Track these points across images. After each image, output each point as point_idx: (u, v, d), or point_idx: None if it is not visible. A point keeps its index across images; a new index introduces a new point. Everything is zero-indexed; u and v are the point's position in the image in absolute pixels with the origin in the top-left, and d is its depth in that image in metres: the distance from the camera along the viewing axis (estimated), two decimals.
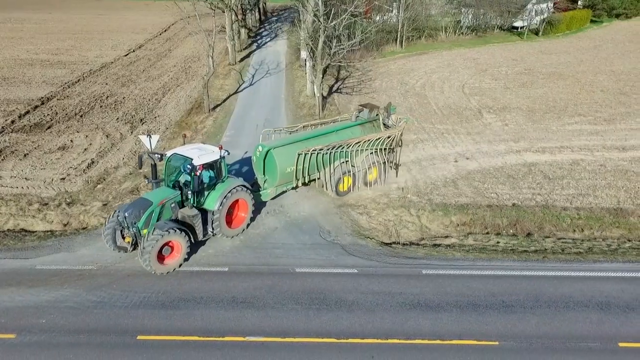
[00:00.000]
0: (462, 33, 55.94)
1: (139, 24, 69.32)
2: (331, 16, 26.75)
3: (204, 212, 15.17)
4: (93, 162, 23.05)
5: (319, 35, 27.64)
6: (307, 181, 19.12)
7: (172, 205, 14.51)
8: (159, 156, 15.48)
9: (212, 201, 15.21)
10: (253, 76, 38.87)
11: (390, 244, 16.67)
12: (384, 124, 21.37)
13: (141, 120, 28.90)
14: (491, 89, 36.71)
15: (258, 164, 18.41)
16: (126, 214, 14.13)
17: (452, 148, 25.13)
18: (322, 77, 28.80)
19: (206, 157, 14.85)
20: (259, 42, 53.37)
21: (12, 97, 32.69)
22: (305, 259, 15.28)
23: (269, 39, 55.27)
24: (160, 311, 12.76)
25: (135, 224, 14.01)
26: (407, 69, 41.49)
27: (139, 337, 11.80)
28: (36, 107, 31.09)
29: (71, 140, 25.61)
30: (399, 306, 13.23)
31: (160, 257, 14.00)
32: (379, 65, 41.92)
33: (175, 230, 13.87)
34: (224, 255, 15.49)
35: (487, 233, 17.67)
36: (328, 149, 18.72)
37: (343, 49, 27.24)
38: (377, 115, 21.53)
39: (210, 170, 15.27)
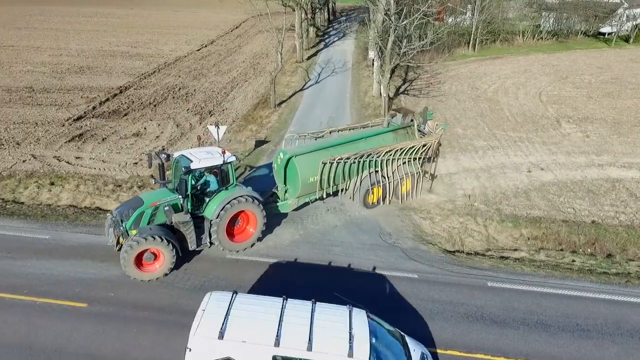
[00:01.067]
0: (542, 38, 52.99)
1: (212, 20, 71.88)
2: (402, 15, 26.11)
3: (202, 220, 14.30)
4: (163, 149, 23.95)
5: (389, 35, 27.10)
6: (332, 192, 17.73)
7: (166, 208, 13.65)
8: (166, 156, 14.67)
9: (212, 209, 14.14)
10: (319, 74, 38.98)
11: (454, 252, 15.90)
12: (420, 131, 19.73)
13: (209, 112, 29.75)
14: (572, 97, 34.38)
15: (279, 172, 16.93)
16: (116, 212, 13.85)
17: (526, 157, 23.70)
18: (390, 78, 28.21)
19: (207, 162, 13.88)
20: (326, 41, 53.58)
21: (95, 85, 34.82)
22: (363, 259, 14.91)
23: (336, 38, 55.36)
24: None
25: (123, 223, 13.54)
26: (479, 73, 39.86)
27: None
28: (115, 95, 32.89)
29: (144, 128, 26.82)
30: (460, 317, 12.55)
31: (141, 263, 13.29)
32: (449, 68, 40.63)
33: (155, 238, 12.87)
34: (283, 248, 15.46)
35: (562, 250, 16.39)
36: (355, 158, 17.22)
37: (413, 49, 26.52)
38: (411, 121, 19.83)
39: (214, 176, 14.35)
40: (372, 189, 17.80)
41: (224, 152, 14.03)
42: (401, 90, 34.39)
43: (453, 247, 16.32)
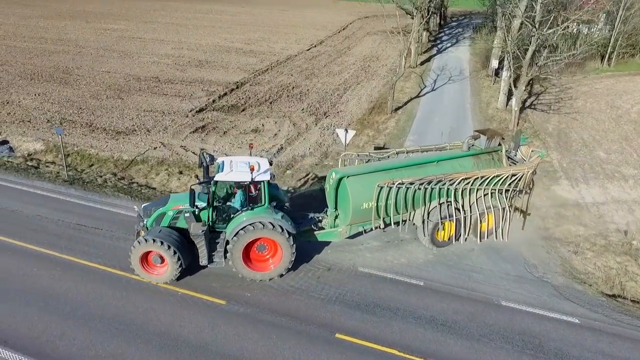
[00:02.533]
0: None
1: (319, 20, 72.61)
2: (548, 23, 23.81)
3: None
4: (282, 148, 23.93)
5: (529, 43, 24.92)
6: (393, 222, 14.89)
7: (187, 215, 12.76)
8: (210, 158, 13.80)
9: (230, 228, 12.90)
10: (435, 81, 37.33)
11: (615, 296, 13.81)
12: (509, 158, 16.56)
13: (324, 113, 29.44)
14: None
15: (330, 194, 14.60)
16: (142, 207, 13.53)
17: None
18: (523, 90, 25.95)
19: (234, 175, 12.64)
20: (439, 46, 51.59)
21: (213, 79, 36.13)
22: (510, 291, 13.37)
23: (449, 44, 53.14)
24: (357, 312, 12.15)
25: (144, 219, 13.22)
26: (618, 90, 35.83)
27: (337, 335, 11.30)
28: (232, 90, 33.81)
29: (262, 125, 27.08)
30: None
31: (148, 264, 12.85)
32: (580, 83, 37.00)
33: (155, 242, 12.22)
34: (417, 267, 14.37)
35: None
36: (422, 184, 14.41)
37: (560, 60, 24.08)
38: (499, 145, 16.61)
39: (243, 192, 13.06)
40: (442, 223, 15.03)
41: (252, 170, 12.44)
42: (527, 104, 31.75)
43: (611, 290, 14.20)
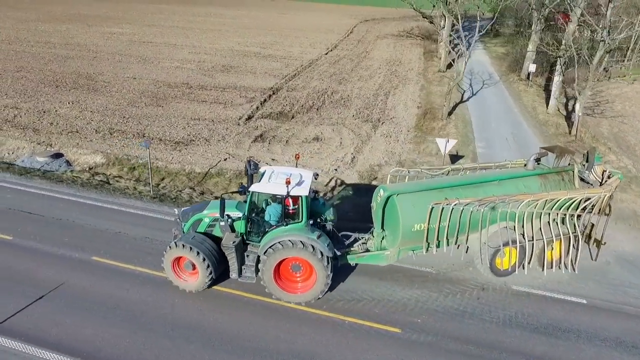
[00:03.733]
0: None
1: (324, 24, 72.02)
2: (619, 29, 23.81)
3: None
4: (354, 157, 23.06)
5: (590, 48, 24.91)
6: (446, 246, 13.41)
7: (222, 224, 12.30)
8: (254, 166, 13.12)
9: (263, 242, 12.26)
10: (470, 85, 37.16)
11: None
12: (582, 179, 14.79)
13: (378, 120, 28.71)
14: None
15: (377, 212, 13.42)
16: (181, 211, 13.46)
17: None
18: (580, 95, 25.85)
19: (269, 187, 11.96)
20: (456, 50, 51.56)
21: (245, 85, 34.93)
22: None
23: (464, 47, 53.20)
24: (541, 337, 11.47)
25: (182, 223, 13.04)
26: (625, 96, 36.37)
27: None
28: (270, 96, 32.75)
29: (321, 133, 26.14)
30: None
31: (180, 270, 12.49)
32: (608, 86, 37.29)
33: (185, 247, 11.87)
34: (568, 283, 13.79)
35: None
36: (482, 205, 12.96)
37: (627, 63, 24.12)
38: (570, 164, 15.06)
39: (278, 207, 12.34)
40: (503, 249, 13.62)
41: (287, 183, 11.53)
42: (569, 108, 31.88)
43: None
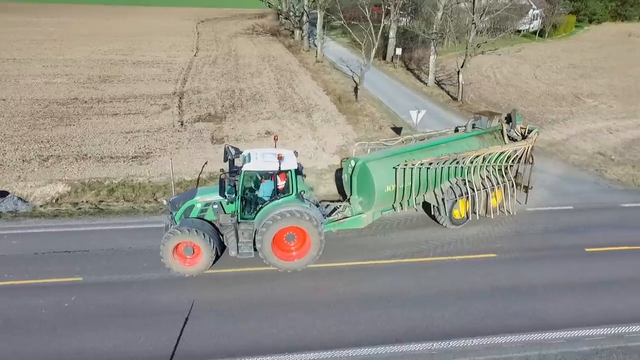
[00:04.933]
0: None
1: (161, 27, 69.07)
2: (484, 12, 30.54)
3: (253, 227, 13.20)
4: (326, 144, 24.62)
5: (470, 29, 31.35)
6: (408, 206, 15.60)
7: (215, 206, 13.18)
8: (235, 151, 13.90)
9: (260, 218, 13.05)
10: (353, 71, 41.54)
11: None
12: (508, 136, 17.69)
13: (306, 109, 30.67)
14: (561, 79, 42.29)
15: (353, 181, 15.23)
16: (170, 201, 13.84)
17: (594, 124, 29.69)
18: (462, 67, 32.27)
19: (262, 165, 12.83)
20: (309, 41, 55.64)
21: (145, 93, 33.00)
22: None
23: (312, 39, 57.51)
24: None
25: (173, 212, 13.39)
26: (474, 65, 45.80)
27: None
28: (180, 100, 31.78)
29: (267, 127, 26.95)
30: None
31: (182, 256, 12.94)
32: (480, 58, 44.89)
33: (192, 231, 12.44)
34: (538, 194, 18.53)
35: None
36: (438, 164, 15.22)
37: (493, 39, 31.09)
38: (499, 124, 17.97)
39: (271, 183, 13.23)
40: (458, 201, 15.79)
41: (280, 158, 12.57)
42: (441, 78, 38.80)
43: None
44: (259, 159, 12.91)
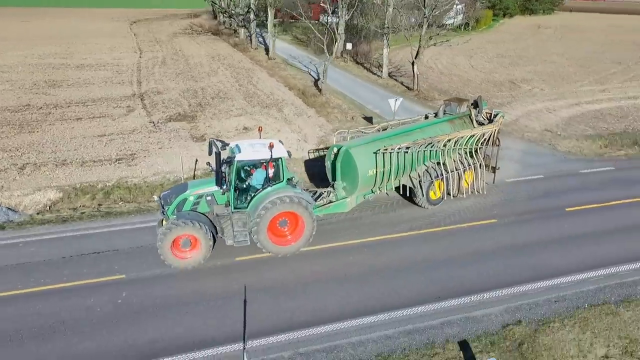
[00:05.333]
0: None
1: (92, 29, 65.67)
2: (434, 7, 32.85)
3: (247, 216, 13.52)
4: (306, 135, 25.37)
5: (423, 24, 33.60)
6: (387, 189, 16.73)
7: (208, 198, 13.39)
8: (222, 144, 14.03)
9: (254, 206, 13.37)
10: (308, 67, 42.62)
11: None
12: (476, 121, 18.80)
13: (274, 104, 31.23)
14: (494, 68, 46.25)
15: (336, 167, 15.79)
16: (160, 196, 13.86)
17: (534, 105, 33.16)
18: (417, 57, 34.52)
19: (254, 154, 13.13)
20: (259, 40, 55.97)
21: (102, 96, 31.93)
22: None
23: (260, 38, 58.03)
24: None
25: (165, 207, 13.33)
26: (429, 56, 49.00)
27: None
28: (142, 102, 31.13)
29: (242, 123, 27.31)
30: None
31: (179, 250, 13.04)
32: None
33: (190, 223, 12.59)
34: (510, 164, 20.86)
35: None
36: (416, 148, 16.10)
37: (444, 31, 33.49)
38: (467, 110, 19.05)
39: (263, 171, 13.56)
40: (435, 182, 16.83)
41: (271, 147, 12.96)
42: (395, 67, 41.01)
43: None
44: (249, 149, 13.20)
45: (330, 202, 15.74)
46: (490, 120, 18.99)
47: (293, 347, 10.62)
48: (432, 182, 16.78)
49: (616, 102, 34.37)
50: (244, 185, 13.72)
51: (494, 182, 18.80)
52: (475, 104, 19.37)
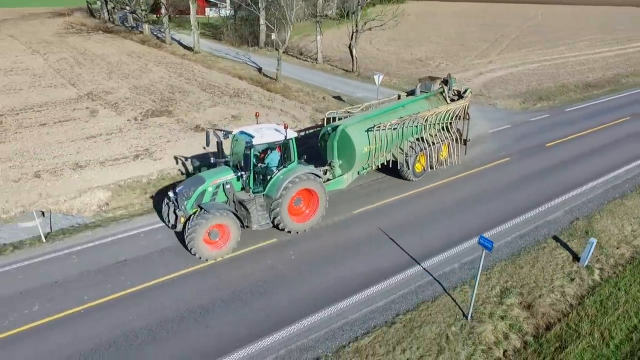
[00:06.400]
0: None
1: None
2: None
3: (265, 199, 13.91)
4: (292, 118, 27.09)
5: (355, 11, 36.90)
6: (376, 164, 17.51)
7: (227, 186, 13.48)
8: (224, 133, 14.41)
9: (274, 187, 13.64)
10: (237, 57, 43.21)
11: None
12: (448, 97, 19.95)
13: (238, 94, 31.93)
14: (396, 49, 52.14)
15: (331, 147, 16.50)
16: (177, 192, 13.51)
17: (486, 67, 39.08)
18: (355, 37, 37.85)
19: (269, 137, 13.42)
20: (161, 35, 53.86)
21: (56, 99, 29.31)
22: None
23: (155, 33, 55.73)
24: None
25: (185, 202, 13.18)
26: (326, 43, 51.94)
27: None
28: (116, 104, 29.44)
29: (228, 112, 27.82)
30: None
31: (209, 242, 13.02)
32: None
33: (223, 213, 12.72)
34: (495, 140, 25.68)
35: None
36: (405, 124, 17.00)
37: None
38: (440, 87, 20.09)
39: (277, 153, 14.03)
40: (419, 156, 17.84)
41: (286, 127, 13.45)
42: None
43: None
44: (262, 133, 13.47)
45: (328, 179, 16.44)
46: (460, 96, 20.26)
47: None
48: (417, 156, 17.88)
49: (505, 70, 42.01)
50: (260, 169, 13.92)
51: (465, 154, 20.39)
52: (446, 82, 20.52)
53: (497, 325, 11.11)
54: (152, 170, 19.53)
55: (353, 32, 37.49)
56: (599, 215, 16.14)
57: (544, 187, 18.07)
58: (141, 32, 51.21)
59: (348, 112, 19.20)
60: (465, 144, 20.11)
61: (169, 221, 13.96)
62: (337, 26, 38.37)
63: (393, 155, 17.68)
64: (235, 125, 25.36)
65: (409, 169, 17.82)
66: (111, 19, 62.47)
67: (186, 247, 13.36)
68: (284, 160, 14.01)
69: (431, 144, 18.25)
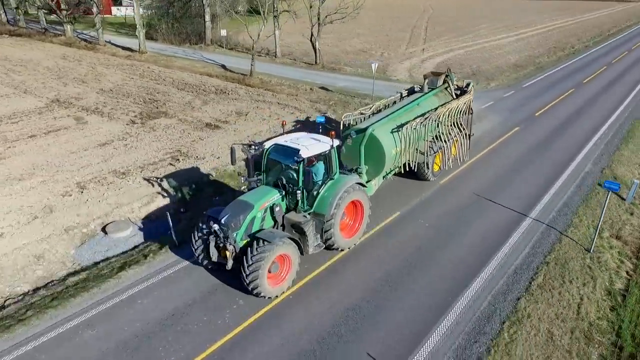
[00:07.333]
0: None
1: None
2: None
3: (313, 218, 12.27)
4: (294, 115, 27.38)
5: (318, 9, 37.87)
6: (400, 166, 16.43)
7: (277, 208, 11.84)
8: (256, 147, 12.60)
9: (324, 204, 12.13)
10: (189, 56, 41.74)
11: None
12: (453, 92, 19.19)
13: (223, 92, 31.21)
14: (332, 42, 54.13)
15: (355, 153, 15.10)
16: (222, 222, 11.31)
17: (401, 64, 41.97)
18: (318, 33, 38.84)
19: (316, 148, 12.04)
20: (91, 35, 49.69)
21: (24, 109, 26.24)
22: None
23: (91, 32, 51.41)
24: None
25: (234, 232, 11.20)
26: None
27: None
28: (99, 108, 27.09)
29: (227, 109, 27.30)
30: None
31: (269, 277, 11.14)
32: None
33: (286, 241, 11.07)
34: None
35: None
36: (428, 122, 16.25)
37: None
38: (445, 82, 19.27)
39: (322, 165, 12.59)
40: (436, 155, 16.95)
41: (332, 136, 12.20)
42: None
43: None
44: (306, 145, 12.07)
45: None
46: (462, 91, 19.54)
47: None
48: (435, 155, 17.13)
49: (441, 56, 45.85)
50: (309, 184, 12.10)
51: (469, 149, 19.48)
52: (446, 76, 19.77)
53: (613, 254, 13.49)
54: (208, 170, 19.01)
55: (313, 25, 38.49)
56: (625, 145, 21.17)
57: (565, 145, 21.53)
58: (61, 34, 46.52)
59: (361, 113, 17.71)
60: (469, 138, 19.38)
61: (205, 258, 11.80)
62: (293, 19, 38.89)
63: (412, 156, 16.41)
64: (238, 122, 24.99)
65: (428, 169, 16.91)
66: (13, 20, 55.48)
67: (233, 286, 11.62)
68: (329, 172, 12.55)
69: (446, 141, 17.54)
